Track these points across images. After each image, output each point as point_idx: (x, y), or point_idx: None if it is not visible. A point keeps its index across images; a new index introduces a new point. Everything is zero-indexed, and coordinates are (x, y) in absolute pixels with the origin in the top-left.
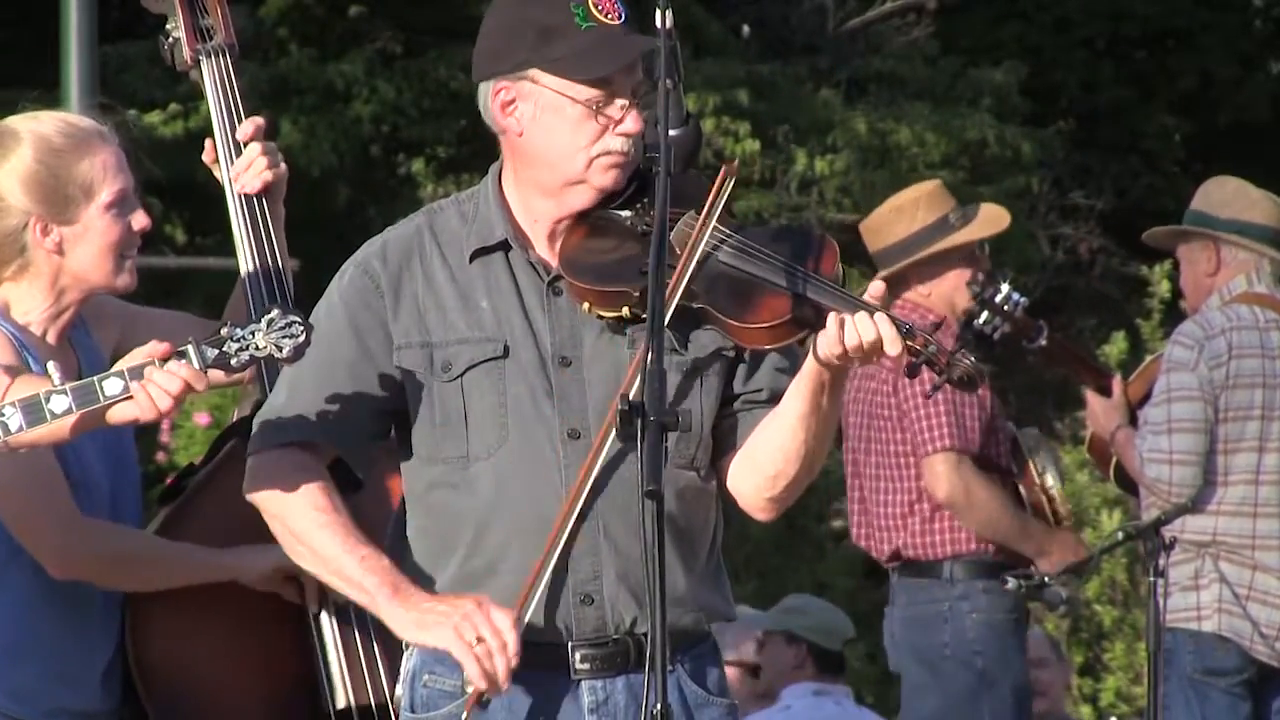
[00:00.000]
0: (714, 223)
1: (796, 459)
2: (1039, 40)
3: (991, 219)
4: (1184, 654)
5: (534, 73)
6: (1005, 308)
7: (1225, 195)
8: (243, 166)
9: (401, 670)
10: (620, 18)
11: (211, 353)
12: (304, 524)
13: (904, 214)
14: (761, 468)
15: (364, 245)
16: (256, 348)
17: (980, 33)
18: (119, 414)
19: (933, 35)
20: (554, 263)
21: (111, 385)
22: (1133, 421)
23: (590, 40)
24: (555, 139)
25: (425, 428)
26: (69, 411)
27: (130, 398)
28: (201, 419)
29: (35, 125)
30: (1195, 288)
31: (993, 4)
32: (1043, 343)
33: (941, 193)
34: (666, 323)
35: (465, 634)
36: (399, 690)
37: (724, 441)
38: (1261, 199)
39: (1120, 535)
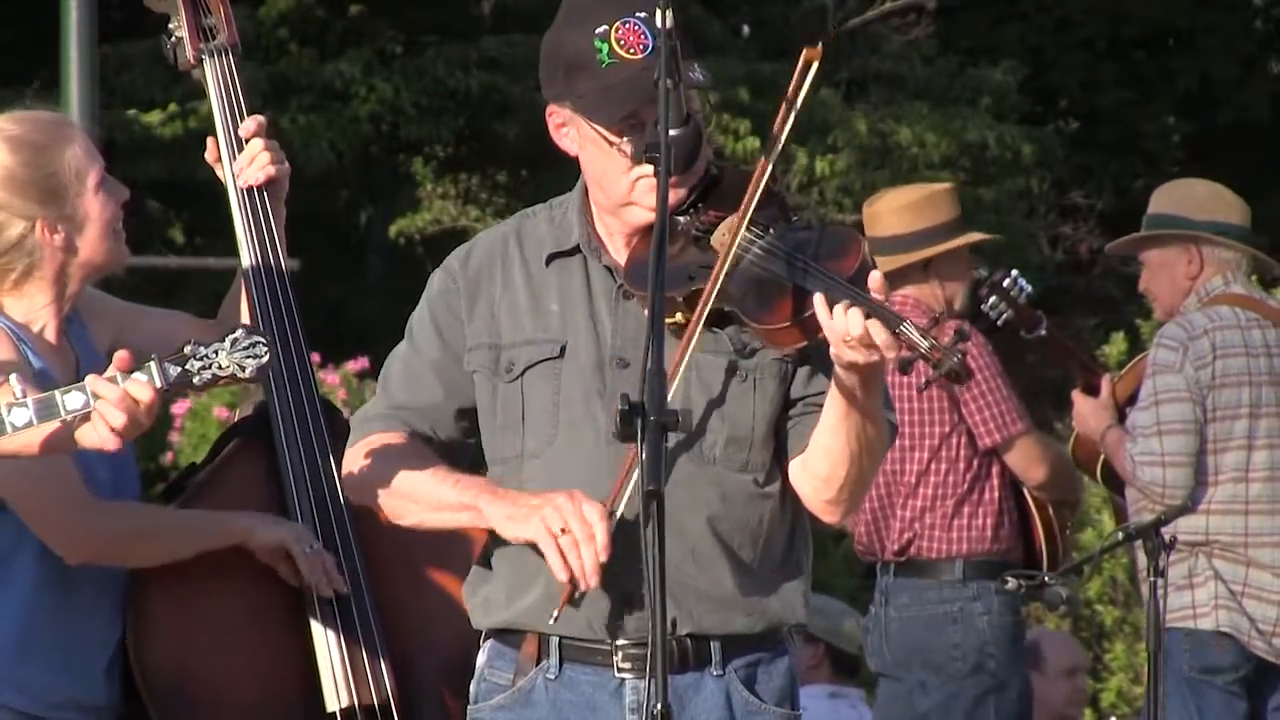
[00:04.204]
0: (750, 227)
1: (844, 461)
2: (1039, 40)
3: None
4: (1180, 653)
5: (570, 103)
6: (1011, 293)
7: (1200, 197)
8: (246, 160)
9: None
10: (645, 50)
11: (174, 370)
12: (397, 480)
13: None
14: (815, 471)
15: (455, 249)
16: (219, 367)
17: (980, 33)
18: (85, 438)
19: (932, 35)
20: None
21: (73, 400)
22: (1121, 420)
23: (609, 80)
24: (598, 166)
25: (490, 428)
26: (30, 424)
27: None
28: (221, 413)
29: (5, 129)
30: (1173, 290)
31: (993, 4)
32: (1042, 333)
33: (952, 197)
34: (722, 328)
35: (551, 524)
36: (473, 686)
37: (786, 445)
38: (1236, 201)
39: (1120, 535)
